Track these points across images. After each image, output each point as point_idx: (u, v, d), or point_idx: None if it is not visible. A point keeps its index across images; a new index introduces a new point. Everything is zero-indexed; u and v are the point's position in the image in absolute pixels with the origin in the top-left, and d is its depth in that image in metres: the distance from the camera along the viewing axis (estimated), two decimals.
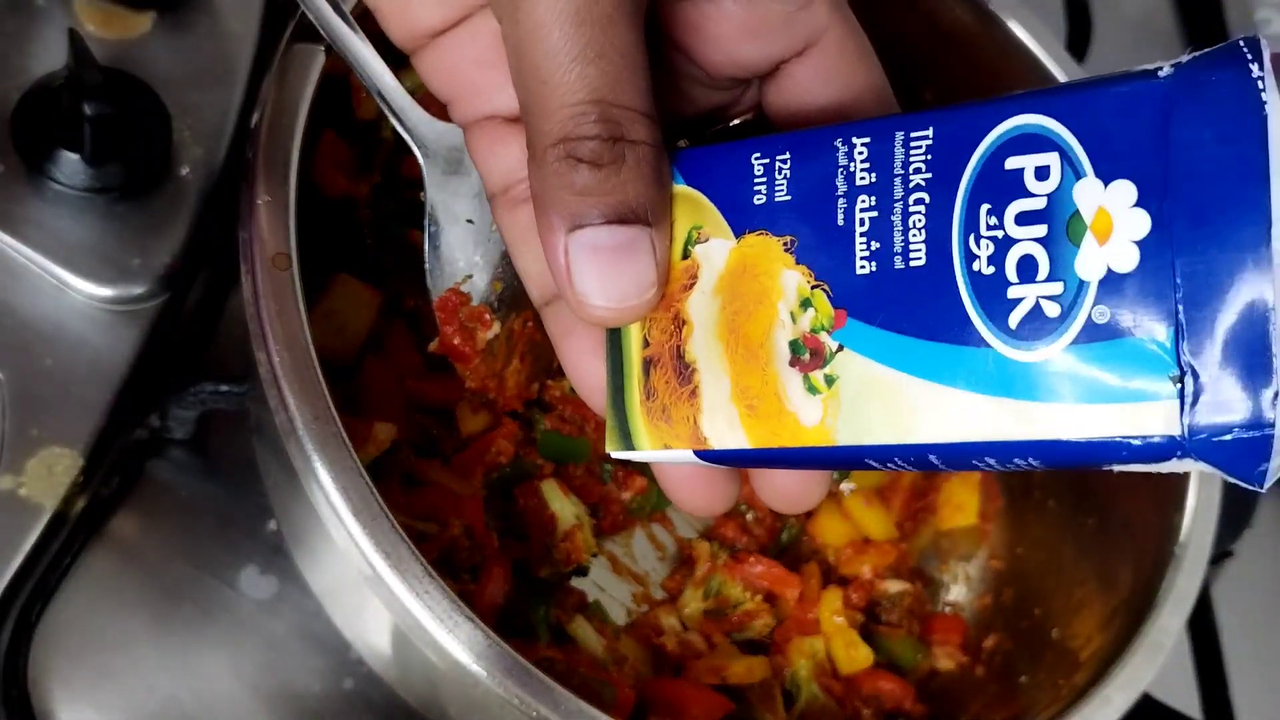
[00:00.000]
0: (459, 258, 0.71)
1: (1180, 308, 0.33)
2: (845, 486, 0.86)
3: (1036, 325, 0.35)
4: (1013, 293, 0.36)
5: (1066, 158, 0.35)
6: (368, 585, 0.55)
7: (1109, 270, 0.34)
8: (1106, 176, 0.34)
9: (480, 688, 0.54)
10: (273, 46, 0.78)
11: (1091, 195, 0.35)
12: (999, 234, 0.36)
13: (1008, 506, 0.88)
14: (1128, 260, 0.34)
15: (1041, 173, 0.36)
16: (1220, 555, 0.96)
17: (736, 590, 0.79)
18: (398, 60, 0.78)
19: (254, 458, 0.73)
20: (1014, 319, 0.36)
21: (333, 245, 0.74)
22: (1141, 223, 0.34)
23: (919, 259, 0.37)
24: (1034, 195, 0.35)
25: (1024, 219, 0.36)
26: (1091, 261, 0.34)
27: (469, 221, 0.71)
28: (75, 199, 0.70)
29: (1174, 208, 0.33)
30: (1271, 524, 0.99)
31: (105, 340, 0.70)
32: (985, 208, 0.36)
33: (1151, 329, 0.33)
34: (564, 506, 0.76)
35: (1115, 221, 0.34)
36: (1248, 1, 1.22)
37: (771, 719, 0.75)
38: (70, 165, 0.69)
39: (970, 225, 0.36)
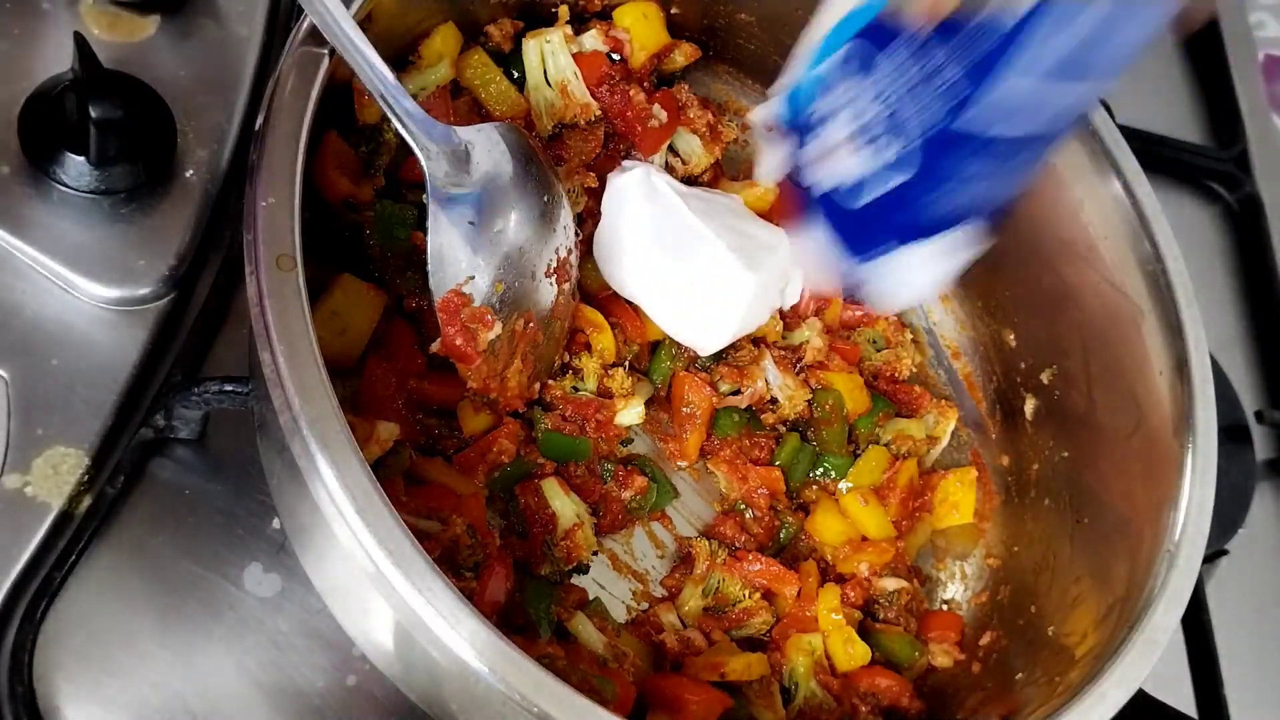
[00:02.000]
0: (461, 259, 0.72)
1: None
2: (843, 485, 0.87)
3: None
4: None
5: None
6: (371, 582, 0.55)
7: None
8: None
9: (482, 684, 0.54)
10: (277, 50, 0.79)
11: None
12: None
13: (1004, 505, 0.89)
14: None
15: None
16: (1214, 554, 0.96)
17: (735, 588, 0.79)
18: (400, 64, 0.79)
19: (257, 457, 0.73)
20: None
21: (336, 247, 0.74)
22: None
23: None
24: None
25: None
26: None
27: (470, 223, 0.72)
28: (81, 201, 0.70)
29: None
30: (1264, 523, 1.00)
31: (111, 340, 0.70)
32: None
33: None
34: (565, 505, 0.77)
35: None
36: (1242, 5, 1.23)
37: (770, 715, 0.75)
38: (76, 167, 0.70)
39: None
